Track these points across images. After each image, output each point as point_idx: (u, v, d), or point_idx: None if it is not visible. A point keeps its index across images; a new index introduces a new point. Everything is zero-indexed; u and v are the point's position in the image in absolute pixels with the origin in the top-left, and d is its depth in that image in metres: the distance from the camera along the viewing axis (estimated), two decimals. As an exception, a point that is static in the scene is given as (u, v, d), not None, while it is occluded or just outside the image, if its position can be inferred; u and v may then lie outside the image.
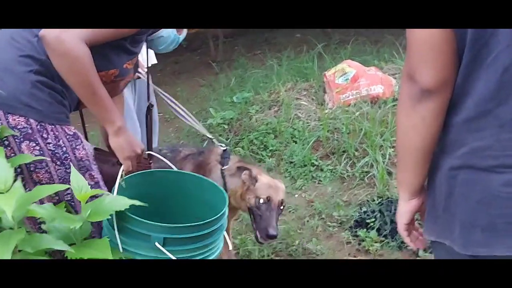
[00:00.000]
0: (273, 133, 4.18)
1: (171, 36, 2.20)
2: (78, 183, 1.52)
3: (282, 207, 2.38)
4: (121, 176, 1.81)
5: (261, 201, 2.32)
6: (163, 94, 2.49)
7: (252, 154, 4.00)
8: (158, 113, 3.76)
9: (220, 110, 4.73)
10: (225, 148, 2.47)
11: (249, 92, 4.94)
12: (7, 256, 1.23)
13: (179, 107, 2.46)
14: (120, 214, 1.61)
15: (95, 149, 2.10)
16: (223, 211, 1.76)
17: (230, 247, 2.16)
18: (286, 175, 3.73)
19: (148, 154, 2.05)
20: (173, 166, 2.04)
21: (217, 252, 1.80)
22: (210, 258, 1.76)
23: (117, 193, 1.65)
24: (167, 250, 1.61)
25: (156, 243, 1.61)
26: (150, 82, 2.38)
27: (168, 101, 2.47)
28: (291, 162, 3.83)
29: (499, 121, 1.09)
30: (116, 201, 1.54)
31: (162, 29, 2.16)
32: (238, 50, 7.31)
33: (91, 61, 1.64)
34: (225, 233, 1.88)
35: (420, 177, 1.29)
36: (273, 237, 2.29)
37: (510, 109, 1.08)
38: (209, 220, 1.69)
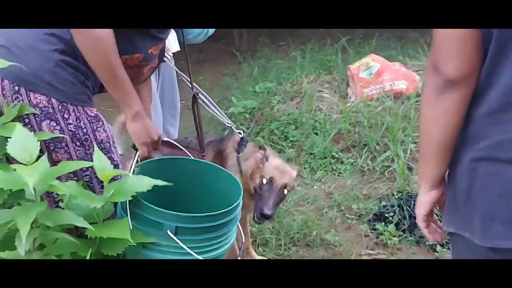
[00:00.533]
0: (294, 124, 4.18)
1: None
2: (101, 163, 1.54)
3: (285, 191, 2.36)
4: (137, 161, 1.83)
5: (264, 181, 2.33)
6: (187, 80, 2.51)
7: (273, 144, 4.00)
8: (181, 100, 3.79)
9: (242, 99, 4.75)
10: (242, 135, 2.49)
11: (271, 82, 4.94)
12: (26, 228, 1.26)
13: (202, 93, 2.48)
14: (134, 201, 1.63)
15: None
16: (237, 202, 1.77)
17: (243, 240, 2.18)
18: (305, 166, 3.74)
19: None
20: (190, 155, 2.05)
21: (229, 244, 1.81)
22: (222, 249, 1.77)
23: None
24: (179, 239, 1.62)
25: (168, 231, 1.62)
26: (190, 70, 2.39)
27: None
28: (311, 154, 3.84)
29: None
30: (139, 182, 1.57)
31: None
32: (262, 41, 7.32)
33: (114, 42, 1.65)
34: (238, 224, 1.89)
35: (441, 169, 1.30)
36: (267, 217, 2.29)
37: None
38: (222, 211, 1.70)
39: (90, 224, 1.42)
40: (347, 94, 4.64)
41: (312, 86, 4.68)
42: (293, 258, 2.76)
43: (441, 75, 1.15)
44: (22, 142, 1.37)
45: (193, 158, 2.09)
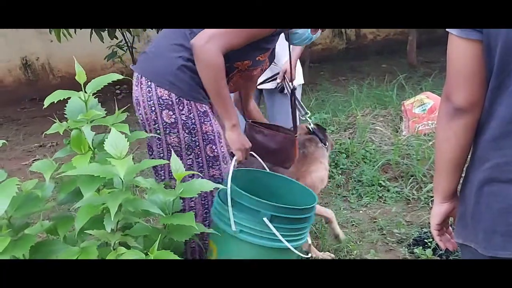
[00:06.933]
0: (345, 153, 4.42)
1: (305, 33, 2.60)
2: (176, 165, 1.88)
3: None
4: (234, 165, 2.18)
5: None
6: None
7: (324, 170, 4.24)
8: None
9: (298, 128, 5.01)
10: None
11: (327, 114, 5.21)
12: (114, 209, 1.55)
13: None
14: (234, 192, 1.98)
15: (252, 122, 2.60)
16: (315, 203, 2.12)
17: (309, 242, 2.57)
18: (353, 192, 3.96)
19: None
20: (266, 168, 2.42)
21: (305, 240, 2.13)
22: (303, 240, 2.10)
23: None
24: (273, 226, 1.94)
25: (264, 219, 1.94)
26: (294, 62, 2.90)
27: None
28: (360, 181, 4.06)
29: None
30: (203, 184, 1.88)
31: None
32: (323, 75, 7.60)
33: (223, 70, 2.13)
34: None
35: (452, 184, 1.48)
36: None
37: None
38: (308, 206, 2.04)
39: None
40: (399, 128, 4.85)
41: (366, 119, 4.91)
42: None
43: (452, 104, 1.35)
44: (115, 141, 1.68)
45: (268, 171, 2.43)
